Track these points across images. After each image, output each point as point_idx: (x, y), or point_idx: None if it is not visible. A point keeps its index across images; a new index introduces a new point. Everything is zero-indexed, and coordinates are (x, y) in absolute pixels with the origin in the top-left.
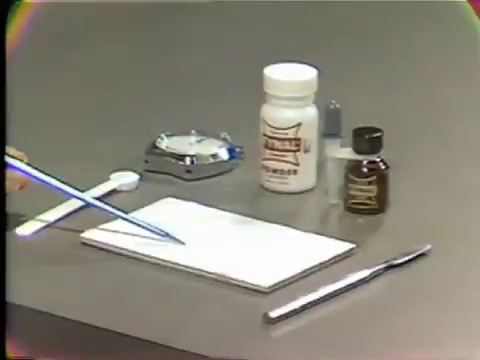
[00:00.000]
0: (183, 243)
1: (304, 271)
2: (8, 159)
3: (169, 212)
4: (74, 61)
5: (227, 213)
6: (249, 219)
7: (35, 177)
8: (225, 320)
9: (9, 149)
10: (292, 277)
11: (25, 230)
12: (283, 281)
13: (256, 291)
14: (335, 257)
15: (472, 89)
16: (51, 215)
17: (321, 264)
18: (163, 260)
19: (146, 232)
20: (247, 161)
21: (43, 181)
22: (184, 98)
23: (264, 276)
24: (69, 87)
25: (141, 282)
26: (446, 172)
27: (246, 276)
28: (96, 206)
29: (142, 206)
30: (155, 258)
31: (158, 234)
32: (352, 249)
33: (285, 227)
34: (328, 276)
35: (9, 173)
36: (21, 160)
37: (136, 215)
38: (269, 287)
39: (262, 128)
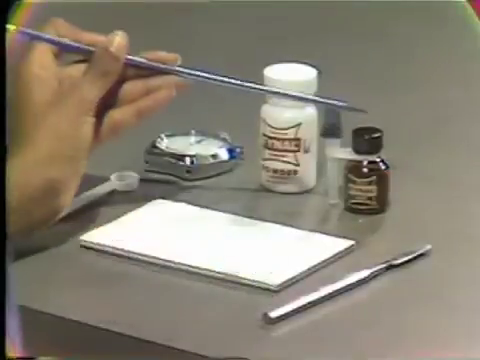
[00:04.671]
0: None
1: (309, 269)
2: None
3: (163, 214)
4: None
5: (221, 213)
6: (246, 219)
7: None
8: (225, 320)
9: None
10: (298, 275)
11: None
12: (291, 279)
13: (264, 290)
14: (337, 254)
15: (472, 89)
16: None
17: (324, 261)
18: (165, 260)
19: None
20: (247, 161)
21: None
22: (184, 98)
23: (271, 275)
24: None
25: (141, 282)
26: (446, 172)
27: (253, 275)
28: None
29: (141, 206)
30: (156, 258)
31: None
32: (352, 245)
33: (284, 226)
34: (328, 276)
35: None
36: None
37: (129, 217)
38: (278, 286)
39: (262, 128)
